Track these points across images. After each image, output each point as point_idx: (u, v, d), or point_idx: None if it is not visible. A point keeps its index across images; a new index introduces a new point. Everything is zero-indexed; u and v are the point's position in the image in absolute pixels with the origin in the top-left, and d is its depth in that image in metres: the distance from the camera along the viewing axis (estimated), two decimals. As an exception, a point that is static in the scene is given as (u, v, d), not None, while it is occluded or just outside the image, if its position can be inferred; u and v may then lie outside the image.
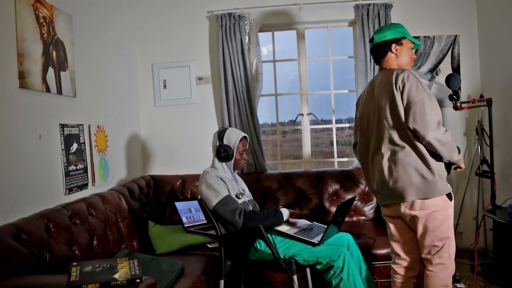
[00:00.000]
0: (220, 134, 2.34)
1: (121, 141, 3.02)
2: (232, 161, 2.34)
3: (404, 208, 1.83)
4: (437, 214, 1.79)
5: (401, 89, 1.77)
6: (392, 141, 1.82)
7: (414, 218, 1.82)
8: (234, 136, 2.33)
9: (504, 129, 3.02)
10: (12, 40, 1.84)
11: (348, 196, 3.01)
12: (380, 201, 1.98)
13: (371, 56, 2.10)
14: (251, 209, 2.35)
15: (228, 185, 2.27)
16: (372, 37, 2.00)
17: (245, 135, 2.40)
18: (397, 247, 1.99)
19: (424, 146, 1.76)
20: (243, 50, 3.17)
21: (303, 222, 2.39)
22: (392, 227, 1.98)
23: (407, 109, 1.75)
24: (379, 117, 1.88)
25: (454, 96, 2.58)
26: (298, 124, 3.52)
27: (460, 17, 3.29)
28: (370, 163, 1.96)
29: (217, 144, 2.33)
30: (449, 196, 1.81)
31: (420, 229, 1.82)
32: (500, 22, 3.03)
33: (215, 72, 3.34)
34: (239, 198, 2.29)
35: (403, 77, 1.78)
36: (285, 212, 2.29)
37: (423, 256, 1.88)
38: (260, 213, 2.20)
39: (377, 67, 2.11)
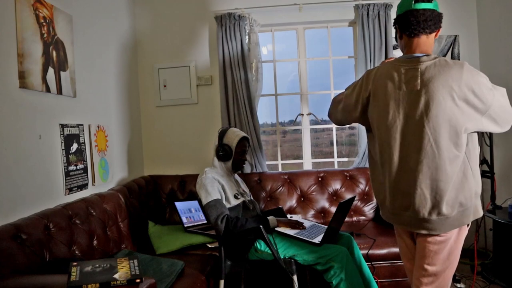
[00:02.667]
0: (221, 134, 2.35)
1: (121, 141, 3.02)
2: (231, 161, 2.35)
3: (425, 238, 1.55)
4: (453, 241, 1.54)
5: (473, 96, 1.40)
6: (434, 161, 1.44)
7: (429, 247, 1.54)
8: (233, 136, 2.34)
9: (504, 129, 3.02)
10: (12, 40, 1.84)
11: (348, 196, 3.01)
12: (394, 221, 1.63)
13: (411, 23, 1.52)
14: (251, 209, 2.35)
15: (226, 186, 2.28)
16: None
17: (246, 135, 2.40)
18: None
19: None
20: (243, 50, 3.17)
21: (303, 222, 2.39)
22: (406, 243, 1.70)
23: (487, 119, 1.43)
24: (418, 124, 1.46)
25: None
26: (298, 124, 3.52)
27: (460, 17, 3.29)
28: (393, 178, 1.54)
29: (217, 143, 2.34)
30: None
31: (429, 256, 1.55)
32: (500, 22, 3.03)
33: (215, 72, 3.34)
34: (237, 198, 2.29)
35: (474, 80, 1.40)
36: (272, 221, 2.23)
37: (416, 279, 1.60)
38: (243, 219, 2.17)
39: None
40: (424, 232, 1.52)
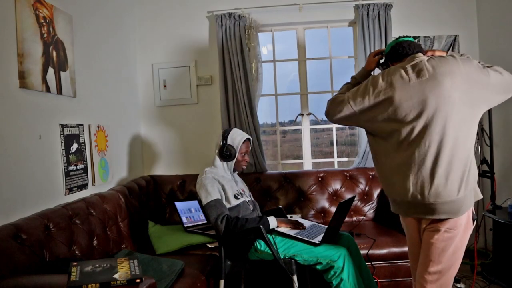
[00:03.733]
0: (225, 134, 2.36)
1: (121, 141, 3.02)
2: (234, 161, 2.35)
3: (432, 235, 1.59)
4: (459, 240, 1.59)
5: (473, 78, 1.55)
6: (457, 144, 1.52)
7: (436, 244, 1.58)
8: (238, 137, 2.35)
9: (504, 129, 3.02)
10: (12, 40, 1.84)
11: (348, 196, 3.00)
12: (410, 212, 1.66)
13: (406, 47, 1.71)
14: (251, 209, 2.35)
15: (226, 185, 2.28)
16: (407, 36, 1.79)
17: (249, 137, 2.41)
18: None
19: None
20: (243, 50, 3.17)
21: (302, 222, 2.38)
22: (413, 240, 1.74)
23: (492, 91, 1.58)
24: (433, 112, 1.52)
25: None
26: (298, 124, 3.52)
27: (460, 17, 3.29)
28: (414, 168, 1.56)
29: (221, 143, 2.34)
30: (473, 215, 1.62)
31: (435, 253, 1.58)
32: (500, 22, 3.03)
33: (215, 72, 3.34)
34: (237, 198, 2.29)
35: (469, 67, 1.56)
36: (272, 221, 2.23)
37: (421, 276, 1.63)
38: (243, 220, 2.17)
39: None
40: (445, 217, 1.54)
